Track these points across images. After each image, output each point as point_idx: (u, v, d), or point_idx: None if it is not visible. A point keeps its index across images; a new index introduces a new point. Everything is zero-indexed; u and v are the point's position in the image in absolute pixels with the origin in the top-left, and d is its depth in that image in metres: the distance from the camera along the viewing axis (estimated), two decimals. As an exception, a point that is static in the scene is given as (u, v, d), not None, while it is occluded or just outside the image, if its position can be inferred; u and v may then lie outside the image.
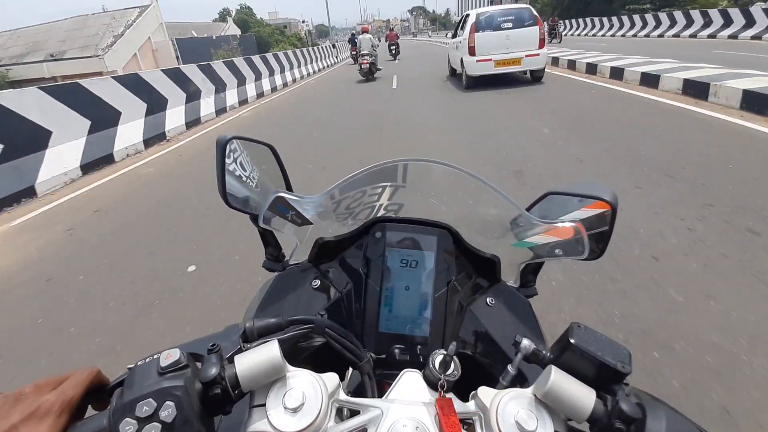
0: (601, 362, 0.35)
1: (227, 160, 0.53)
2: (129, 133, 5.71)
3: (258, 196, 0.57)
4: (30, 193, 4.24)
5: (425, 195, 0.62)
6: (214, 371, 0.34)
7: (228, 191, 0.53)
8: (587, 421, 0.35)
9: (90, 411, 0.34)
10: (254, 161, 0.60)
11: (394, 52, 19.33)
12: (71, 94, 4.99)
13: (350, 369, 0.59)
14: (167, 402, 0.31)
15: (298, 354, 0.45)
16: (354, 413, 0.39)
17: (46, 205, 3.96)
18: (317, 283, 0.57)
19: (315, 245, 0.59)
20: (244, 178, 0.57)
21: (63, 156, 4.69)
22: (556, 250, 0.55)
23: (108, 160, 5.21)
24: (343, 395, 0.39)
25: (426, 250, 0.56)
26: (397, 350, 0.53)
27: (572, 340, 0.36)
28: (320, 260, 0.60)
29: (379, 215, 0.62)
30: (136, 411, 0.31)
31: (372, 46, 11.41)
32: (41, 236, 3.26)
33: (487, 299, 0.57)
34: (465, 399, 0.40)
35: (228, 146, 0.53)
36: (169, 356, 0.34)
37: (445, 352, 0.40)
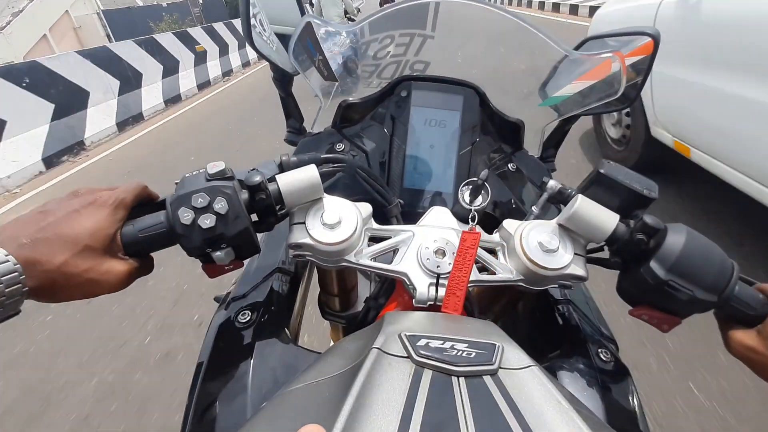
0: (628, 189, 0.37)
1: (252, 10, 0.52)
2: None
3: (279, 55, 0.56)
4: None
5: (454, 49, 0.61)
6: (257, 179, 0.37)
7: (253, 37, 0.52)
8: (606, 241, 0.38)
9: None
10: (274, 8, 0.58)
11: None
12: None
13: None
14: (219, 197, 0.34)
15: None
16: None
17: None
18: (341, 146, 0.58)
19: (339, 108, 0.59)
20: (264, 38, 0.56)
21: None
22: (588, 99, 0.55)
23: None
24: (374, 224, 0.42)
25: (452, 110, 0.56)
26: (421, 207, 0.55)
27: (602, 170, 0.38)
28: (344, 125, 0.60)
29: (405, 73, 0.62)
30: (192, 201, 0.34)
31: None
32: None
33: (509, 165, 0.58)
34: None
35: None
36: (215, 166, 0.36)
37: (476, 179, 0.42)
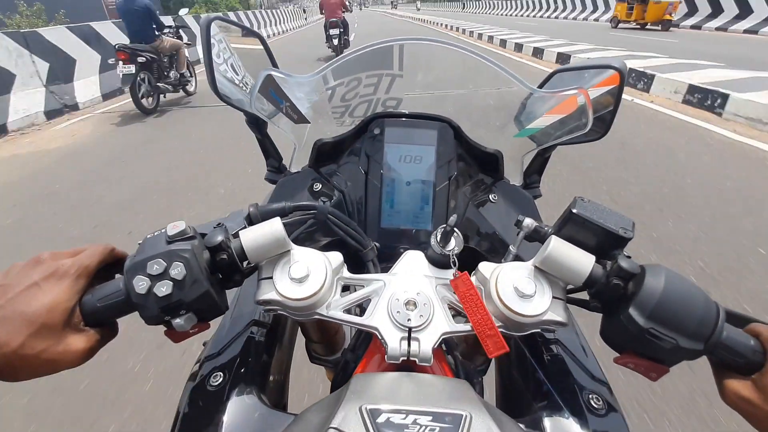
0: (603, 228, 0.37)
1: (215, 57, 0.52)
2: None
3: (248, 95, 0.57)
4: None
5: (424, 85, 0.62)
6: (219, 238, 0.37)
7: (219, 88, 0.53)
8: (584, 284, 0.37)
9: None
10: (244, 64, 0.59)
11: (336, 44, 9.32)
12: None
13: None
14: (176, 262, 0.34)
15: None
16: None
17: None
18: (318, 186, 0.58)
19: (314, 148, 0.59)
20: (237, 82, 0.57)
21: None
22: (559, 132, 0.56)
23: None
24: (347, 272, 0.42)
25: (426, 145, 0.56)
26: (400, 247, 0.55)
27: (574, 210, 0.38)
28: (320, 164, 0.61)
29: (377, 111, 0.62)
30: (147, 269, 0.34)
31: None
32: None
33: (490, 196, 0.58)
34: None
35: (214, 37, 0.52)
36: (176, 227, 0.36)
37: (446, 224, 0.41)
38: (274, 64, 0.62)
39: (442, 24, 18.84)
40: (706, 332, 0.33)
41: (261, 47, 0.62)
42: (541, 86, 0.59)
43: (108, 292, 0.35)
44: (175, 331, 0.36)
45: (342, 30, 8.71)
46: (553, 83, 0.59)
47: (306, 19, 24.55)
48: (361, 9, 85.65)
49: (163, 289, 0.34)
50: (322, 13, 8.91)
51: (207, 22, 0.51)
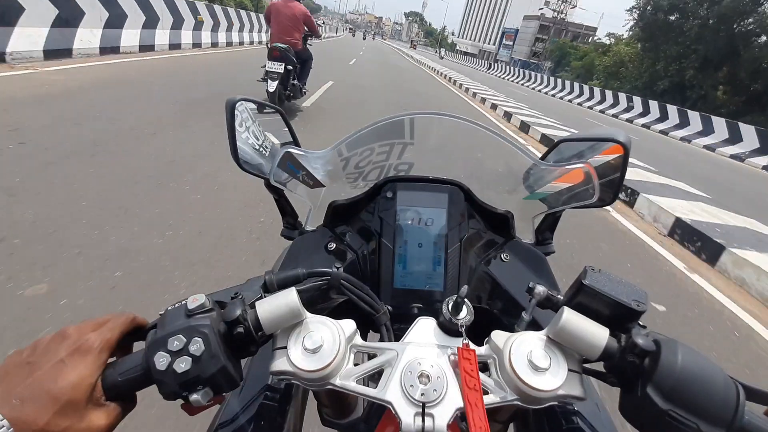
0: (615, 301, 0.37)
1: (238, 126, 0.55)
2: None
3: (269, 162, 0.59)
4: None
5: (435, 152, 0.64)
6: (237, 312, 0.38)
7: (241, 157, 0.55)
8: (600, 358, 0.37)
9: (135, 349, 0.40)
10: (265, 129, 0.62)
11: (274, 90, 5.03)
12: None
13: (369, 332, 0.63)
14: (195, 338, 0.35)
15: (317, 313, 0.47)
16: (372, 358, 0.42)
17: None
18: (333, 245, 0.60)
19: (329, 209, 0.62)
20: (257, 147, 0.59)
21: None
22: (568, 198, 0.59)
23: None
24: (360, 340, 0.42)
25: (438, 208, 0.58)
26: (413, 306, 0.57)
27: (585, 282, 0.38)
28: (335, 224, 0.63)
29: (389, 175, 0.65)
30: (168, 345, 0.35)
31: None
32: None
33: (502, 255, 0.60)
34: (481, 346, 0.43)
35: (237, 109, 0.54)
36: (195, 300, 0.38)
37: (456, 295, 0.42)
38: (293, 136, 0.64)
39: (469, 91, 13.27)
40: (727, 416, 0.32)
41: (281, 121, 0.65)
42: (545, 156, 0.61)
43: (129, 366, 0.36)
44: (191, 405, 0.37)
45: (292, 68, 4.96)
46: (558, 152, 0.61)
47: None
48: (374, 38, 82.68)
49: (183, 365, 0.35)
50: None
51: (232, 104, 0.53)
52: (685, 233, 3.85)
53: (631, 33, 28.82)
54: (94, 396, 0.34)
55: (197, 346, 0.35)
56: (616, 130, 0.53)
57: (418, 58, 29.09)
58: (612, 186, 0.54)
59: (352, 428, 0.56)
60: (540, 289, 0.43)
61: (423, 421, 0.35)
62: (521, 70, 30.28)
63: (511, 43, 74.13)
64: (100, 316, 0.39)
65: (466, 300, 0.42)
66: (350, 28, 69.66)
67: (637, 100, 16.57)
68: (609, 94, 18.35)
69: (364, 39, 57.68)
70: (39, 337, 0.36)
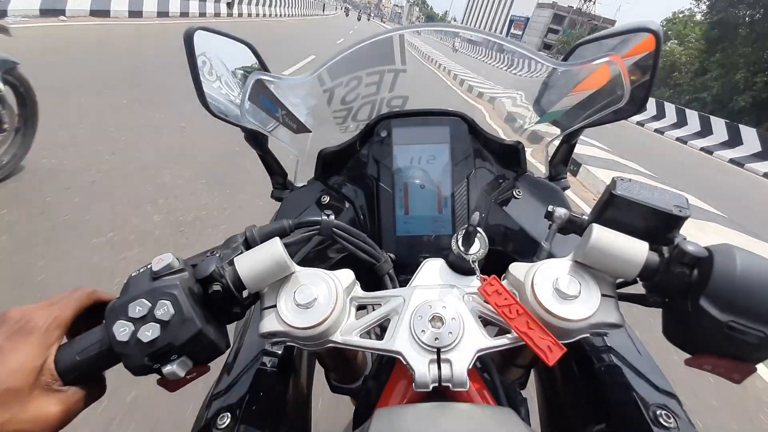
0: (653, 209, 0.34)
1: (200, 64, 0.51)
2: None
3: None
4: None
5: (431, 78, 0.65)
6: (210, 268, 0.35)
7: (209, 101, 0.51)
8: (639, 277, 0.34)
9: None
10: (232, 66, 0.58)
11: None
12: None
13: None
14: (161, 300, 0.32)
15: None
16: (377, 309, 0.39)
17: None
18: (326, 199, 0.57)
19: (319, 159, 0.59)
20: (232, 98, 0.55)
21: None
22: (589, 110, 0.53)
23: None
24: (360, 291, 0.39)
25: (439, 144, 0.55)
26: (420, 256, 0.52)
27: (616, 192, 0.35)
28: (327, 175, 0.60)
29: (382, 111, 0.61)
30: (129, 312, 0.32)
31: None
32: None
33: (514, 191, 0.57)
34: None
35: (196, 42, 0.50)
36: (161, 261, 0.34)
37: (468, 224, 0.39)
38: (266, 71, 0.60)
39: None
40: None
41: (252, 55, 0.61)
42: (564, 60, 0.57)
43: (88, 343, 0.33)
44: (167, 379, 0.33)
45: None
46: (576, 57, 0.57)
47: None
48: (369, 19, 77.11)
49: (148, 333, 0.31)
50: None
51: (189, 35, 0.50)
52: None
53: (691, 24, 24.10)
54: (42, 381, 0.31)
55: (164, 309, 0.32)
56: (645, 21, 0.49)
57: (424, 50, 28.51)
58: (639, 91, 0.50)
59: (362, 393, 0.53)
60: (561, 211, 0.41)
61: (439, 368, 0.33)
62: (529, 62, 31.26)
63: (519, 32, 70.28)
64: (54, 296, 0.36)
65: (479, 229, 0.39)
66: (345, 8, 64.52)
67: (692, 115, 12.94)
68: (652, 103, 13.79)
69: (359, 20, 54.97)
70: None
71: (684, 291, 0.33)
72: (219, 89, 0.53)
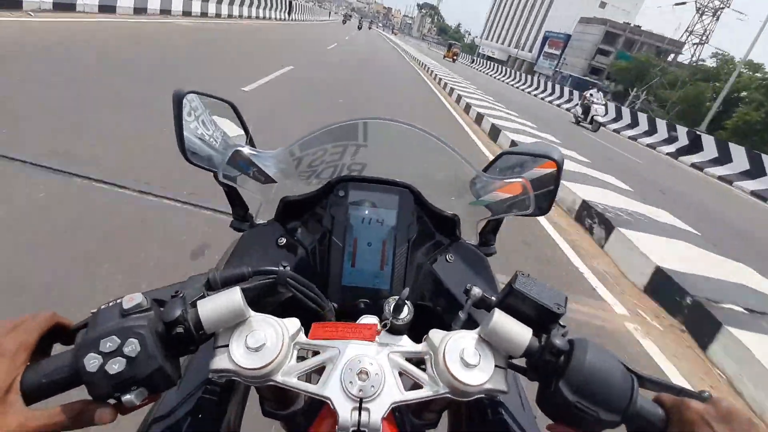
0: (539, 304, 0.46)
1: (186, 116, 0.64)
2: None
3: (220, 154, 0.68)
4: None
5: (388, 155, 0.75)
6: (177, 312, 0.43)
7: (188, 148, 0.64)
8: (523, 355, 0.46)
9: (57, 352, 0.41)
10: (216, 119, 0.72)
11: None
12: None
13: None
14: (131, 339, 0.39)
15: (264, 307, 0.53)
16: (316, 354, 0.48)
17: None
18: (283, 240, 0.69)
19: (280, 203, 0.70)
20: (207, 137, 0.69)
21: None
22: (508, 206, 0.69)
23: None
24: (303, 338, 0.49)
25: (388, 208, 0.67)
26: (360, 303, 0.64)
27: (515, 286, 0.47)
28: (286, 219, 0.71)
29: (343, 174, 0.74)
30: (100, 347, 0.38)
31: None
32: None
33: (447, 256, 0.70)
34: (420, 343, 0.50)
35: (186, 101, 0.63)
36: (132, 299, 0.42)
37: (398, 297, 0.50)
38: (245, 128, 0.74)
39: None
40: (623, 404, 0.42)
41: (233, 114, 0.74)
42: (489, 166, 0.72)
43: (54, 367, 0.39)
44: (123, 405, 0.40)
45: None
46: (500, 163, 0.73)
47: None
48: (371, 28, 69.13)
49: (116, 366, 0.38)
50: None
51: (179, 97, 0.62)
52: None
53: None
54: (8, 400, 0.36)
55: (132, 347, 0.39)
56: (551, 148, 0.64)
57: (430, 64, 21.39)
58: (547, 197, 0.66)
59: (291, 420, 0.65)
60: (476, 290, 0.52)
61: (360, 415, 0.42)
62: (571, 91, 24.11)
63: (556, 51, 62.79)
64: (15, 317, 0.40)
65: (407, 302, 0.50)
66: (345, 14, 58.76)
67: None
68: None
69: (359, 29, 49.42)
70: None
71: (551, 373, 0.44)
72: (195, 129, 0.66)
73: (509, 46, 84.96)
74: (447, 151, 0.68)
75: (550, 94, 25.78)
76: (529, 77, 31.56)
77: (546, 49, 65.85)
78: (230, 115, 0.75)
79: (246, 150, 0.67)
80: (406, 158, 0.74)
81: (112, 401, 0.40)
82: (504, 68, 38.35)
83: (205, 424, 0.52)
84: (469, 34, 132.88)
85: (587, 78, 51.34)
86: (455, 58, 39.84)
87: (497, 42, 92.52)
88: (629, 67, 46.05)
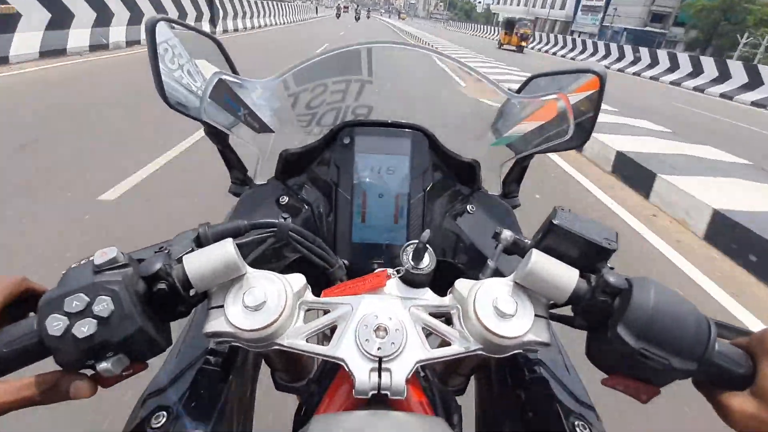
0: (586, 240, 0.42)
1: (162, 53, 0.57)
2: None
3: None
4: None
5: (396, 93, 0.70)
6: (156, 266, 0.39)
7: (168, 92, 0.57)
8: (569, 301, 0.41)
9: None
10: (197, 59, 0.66)
11: None
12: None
13: None
14: (101, 296, 0.36)
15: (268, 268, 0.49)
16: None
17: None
18: (285, 199, 0.66)
19: (280, 159, 0.66)
20: (194, 89, 0.63)
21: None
22: (539, 139, 0.64)
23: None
24: (311, 296, 0.45)
25: (399, 155, 0.63)
26: (373, 262, 0.61)
27: (555, 221, 0.43)
28: (287, 175, 0.68)
29: (347, 119, 0.69)
30: (65, 306, 0.34)
31: None
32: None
33: (468, 206, 0.66)
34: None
35: (159, 33, 0.56)
36: (105, 254, 0.38)
37: (417, 241, 0.45)
38: (233, 69, 0.68)
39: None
40: (699, 351, 0.38)
41: (218, 51, 0.68)
42: (518, 92, 0.67)
43: (17, 335, 0.36)
44: (100, 376, 0.37)
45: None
46: (530, 89, 0.68)
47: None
48: (369, 17, 60.93)
49: (84, 329, 0.34)
50: None
51: (152, 24, 0.55)
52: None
53: None
54: None
55: (103, 305, 0.35)
56: (592, 62, 0.57)
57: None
58: (585, 125, 0.60)
59: (307, 392, 0.62)
60: (507, 233, 0.48)
61: (380, 376, 0.39)
62: (638, 50, 19.73)
63: (600, 2, 50.83)
64: None
65: (428, 246, 0.46)
66: (338, 6, 52.52)
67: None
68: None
69: (357, 20, 42.68)
70: None
71: (605, 318, 0.40)
72: (180, 78, 0.60)
73: (533, 7, 71.49)
74: (462, 85, 0.63)
75: (604, 56, 22.16)
76: (568, 39, 27.39)
77: (584, 1, 54.42)
78: (213, 56, 0.67)
79: (231, 78, 0.60)
80: (418, 94, 0.71)
81: (88, 372, 0.37)
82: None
83: (206, 397, 0.49)
84: (480, 3, 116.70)
85: (649, 29, 43.72)
86: (523, 44, 25.03)
87: (516, 4, 78.30)
88: (712, 6, 35.44)
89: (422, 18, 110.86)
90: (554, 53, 26.94)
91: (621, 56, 21.10)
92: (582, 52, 24.39)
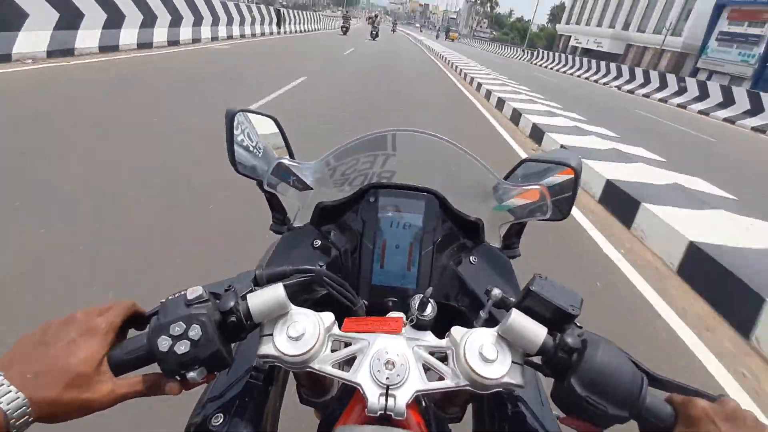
0: (555, 306, 0.53)
1: (235, 132, 0.77)
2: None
3: (264, 164, 0.80)
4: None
5: (414, 163, 0.87)
6: (231, 304, 0.53)
7: (237, 160, 0.77)
8: (538, 353, 0.53)
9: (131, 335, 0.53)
10: (260, 132, 0.85)
11: None
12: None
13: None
14: (194, 324, 0.50)
15: (301, 303, 0.64)
16: (348, 346, 0.58)
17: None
18: (318, 242, 0.81)
19: (316, 209, 0.82)
20: (251, 148, 0.81)
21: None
22: (528, 212, 0.79)
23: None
24: (337, 330, 0.59)
25: (415, 213, 0.78)
26: (388, 300, 0.75)
27: (532, 288, 0.54)
28: (321, 223, 0.83)
29: (373, 181, 0.85)
30: (170, 330, 0.49)
31: None
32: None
33: (471, 258, 0.80)
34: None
35: (236, 118, 0.76)
36: (194, 292, 0.53)
37: (422, 295, 0.60)
38: (286, 141, 0.87)
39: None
40: (631, 400, 0.49)
41: (276, 129, 0.88)
42: (509, 175, 0.81)
43: (134, 346, 0.50)
44: (186, 381, 0.52)
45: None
46: (521, 170, 0.82)
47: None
48: (394, 30, 54.45)
49: (182, 348, 0.48)
50: None
51: (231, 114, 0.75)
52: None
53: None
54: (101, 370, 0.47)
55: (195, 331, 0.49)
56: (570, 154, 0.73)
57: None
58: (566, 203, 0.75)
59: (326, 406, 0.76)
60: (496, 291, 0.60)
61: (386, 400, 0.51)
62: None
63: (753, 29, 28.87)
64: (102, 304, 0.51)
65: (430, 300, 0.59)
66: (344, 16, 34.41)
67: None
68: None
69: (374, 37, 29.58)
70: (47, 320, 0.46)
71: (565, 369, 0.51)
72: (242, 141, 0.79)
73: (621, 29, 47.91)
74: (468, 159, 0.77)
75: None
76: (696, 85, 18.07)
77: (725, 27, 32.72)
78: (272, 131, 0.87)
79: (287, 161, 0.79)
80: (432, 166, 0.86)
81: (178, 378, 0.51)
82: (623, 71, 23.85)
83: (251, 405, 0.63)
84: (529, 22, 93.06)
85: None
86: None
87: (596, 24, 52.21)
88: None
89: (464, 36, 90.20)
90: (676, 104, 18.71)
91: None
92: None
